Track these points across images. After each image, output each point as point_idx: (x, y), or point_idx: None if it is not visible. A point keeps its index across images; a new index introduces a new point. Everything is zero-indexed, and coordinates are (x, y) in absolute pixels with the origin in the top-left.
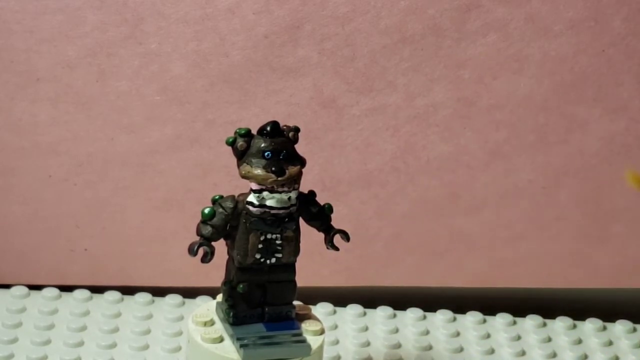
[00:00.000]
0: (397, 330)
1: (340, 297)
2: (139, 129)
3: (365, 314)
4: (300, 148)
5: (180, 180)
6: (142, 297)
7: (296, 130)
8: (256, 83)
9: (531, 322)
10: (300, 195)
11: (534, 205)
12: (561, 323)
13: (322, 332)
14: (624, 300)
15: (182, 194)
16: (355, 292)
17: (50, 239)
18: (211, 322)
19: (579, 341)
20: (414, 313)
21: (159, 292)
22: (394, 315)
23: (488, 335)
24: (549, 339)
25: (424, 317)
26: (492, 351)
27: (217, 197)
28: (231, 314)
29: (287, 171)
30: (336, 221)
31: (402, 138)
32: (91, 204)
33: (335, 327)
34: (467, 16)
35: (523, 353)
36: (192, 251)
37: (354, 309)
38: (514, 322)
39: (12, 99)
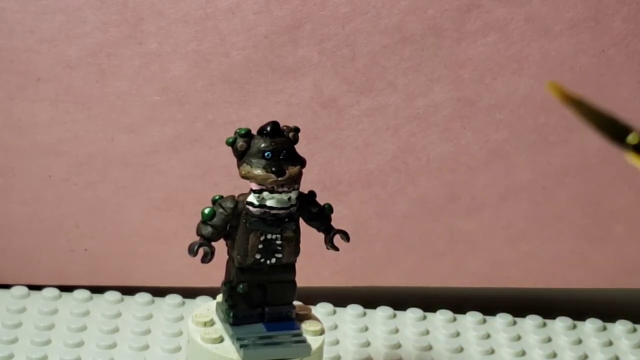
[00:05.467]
0: (397, 331)
1: (340, 297)
2: (139, 129)
3: (365, 314)
4: (300, 148)
5: (180, 180)
6: (142, 297)
7: (296, 130)
8: (256, 83)
9: (531, 322)
10: (300, 195)
11: (534, 205)
12: (561, 323)
13: (322, 332)
14: (624, 300)
15: (182, 194)
16: (355, 292)
17: (50, 239)
18: (211, 322)
19: (579, 341)
20: (414, 313)
21: (159, 292)
22: (394, 316)
23: (488, 335)
24: (549, 339)
25: (424, 317)
26: (492, 351)
27: (217, 197)
28: (231, 314)
29: (287, 171)
30: (336, 221)
31: (402, 138)
32: (91, 204)
33: (335, 327)
34: (467, 16)
35: (523, 353)
36: (192, 251)
37: (354, 309)
38: (514, 322)
39: (12, 99)
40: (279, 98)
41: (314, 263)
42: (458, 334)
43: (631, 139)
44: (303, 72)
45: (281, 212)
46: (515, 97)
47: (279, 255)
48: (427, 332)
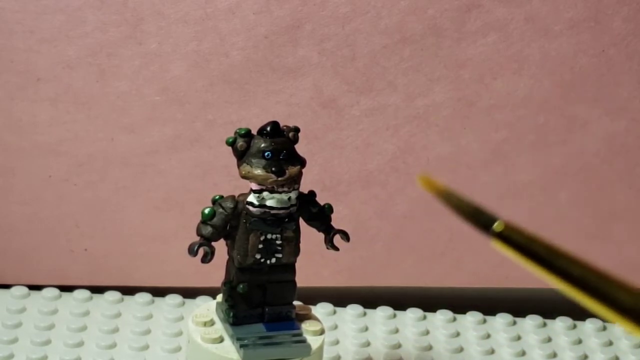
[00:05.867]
0: (397, 331)
1: (340, 297)
2: (139, 129)
3: (365, 314)
4: (300, 148)
5: (180, 180)
6: (142, 297)
7: (296, 130)
8: (256, 83)
9: (531, 322)
10: (300, 195)
11: (534, 205)
12: (561, 323)
13: (322, 332)
14: None
15: (182, 194)
16: (355, 292)
17: (50, 239)
18: (211, 322)
19: (579, 341)
20: (414, 313)
21: (159, 292)
22: (394, 315)
23: (488, 335)
24: (549, 339)
25: (424, 317)
26: (492, 351)
27: (217, 197)
28: (231, 314)
29: (287, 171)
30: (336, 221)
31: (402, 138)
32: (91, 204)
33: (335, 327)
34: (467, 16)
35: (523, 353)
36: (192, 251)
37: (354, 309)
38: (514, 322)
39: (12, 99)
40: (278, 98)
41: (314, 263)
42: (458, 334)
43: (496, 227)
44: (303, 72)
45: (281, 212)
46: (515, 97)
47: (279, 255)
48: (427, 332)
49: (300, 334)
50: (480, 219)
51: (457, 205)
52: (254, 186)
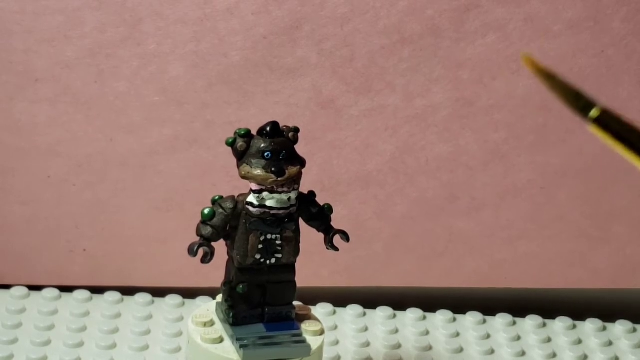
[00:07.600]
0: (397, 331)
1: (340, 298)
2: (138, 130)
3: (365, 314)
4: (299, 148)
5: (179, 180)
6: (142, 298)
7: (296, 130)
8: (255, 83)
9: (531, 322)
10: (300, 195)
11: (533, 205)
12: (561, 323)
13: (322, 332)
14: (624, 300)
15: (182, 195)
16: (355, 292)
17: (50, 239)
18: (211, 323)
19: (579, 341)
20: (413, 313)
21: (159, 292)
22: (394, 316)
23: (488, 336)
24: (549, 339)
25: (424, 318)
26: (492, 351)
27: (217, 198)
28: (231, 314)
29: (287, 171)
30: (336, 221)
31: (401, 138)
32: (90, 205)
33: (335, 327)
34: (466, 16)
35: (523, 353)
36: (192, 252)
37: (353, 310)
38: (514, 322)
39: (11, 99)
40: (277, 98)
41: (313, 263)
42: (458, 334)
43: (594, 112)
44: (302, 72)
45: (281, 212)
46: (514, 97)
47: (279, 256)
48: (427, 332)
49: (300, 334)
50: (579, 103)
51: (559, 87)
52: (254, 186)
